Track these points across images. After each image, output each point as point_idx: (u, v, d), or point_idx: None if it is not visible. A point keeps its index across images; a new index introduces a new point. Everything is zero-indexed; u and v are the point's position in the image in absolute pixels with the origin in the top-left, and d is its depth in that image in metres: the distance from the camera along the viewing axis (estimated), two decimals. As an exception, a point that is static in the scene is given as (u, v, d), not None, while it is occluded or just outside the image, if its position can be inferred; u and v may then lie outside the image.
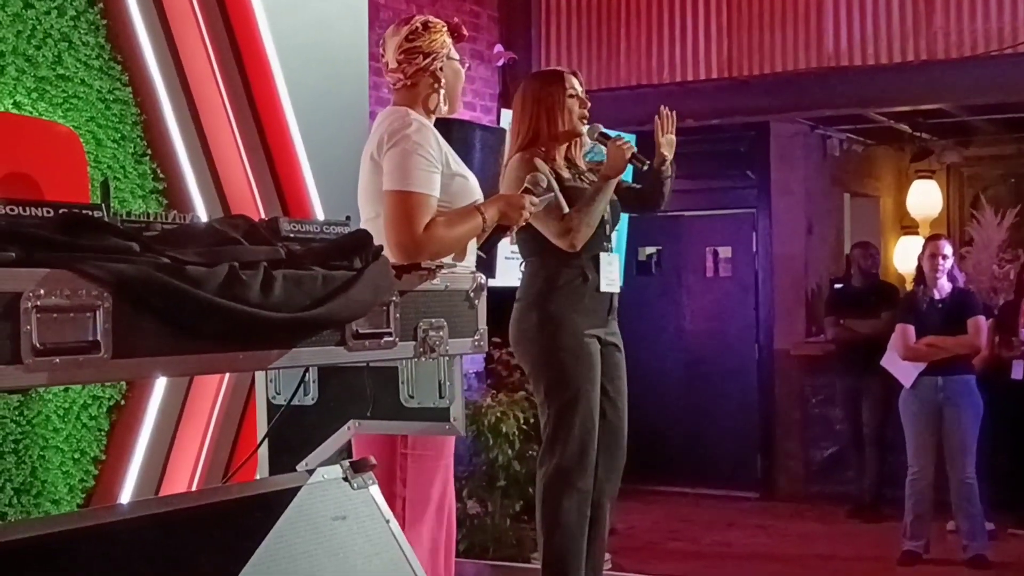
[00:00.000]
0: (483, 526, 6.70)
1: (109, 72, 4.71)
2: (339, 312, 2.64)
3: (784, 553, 8.07)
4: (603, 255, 4.55)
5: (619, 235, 8.27)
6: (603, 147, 4.66)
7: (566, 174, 4.54)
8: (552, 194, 4.18)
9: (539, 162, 4.39)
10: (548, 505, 4.42)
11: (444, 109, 3.93)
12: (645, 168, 4.70)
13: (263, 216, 5.05)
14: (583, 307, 4.48)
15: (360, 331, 2.77)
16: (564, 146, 4.62)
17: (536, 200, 3.94)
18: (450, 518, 3.96)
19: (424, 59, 3.86)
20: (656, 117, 4.79)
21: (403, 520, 3.71)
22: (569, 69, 4.79)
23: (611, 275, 4.56)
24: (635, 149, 4.57)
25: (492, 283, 6.16)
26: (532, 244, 4.50)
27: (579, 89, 4.63)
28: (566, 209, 4.40)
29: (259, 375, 3.35)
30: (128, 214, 2.56)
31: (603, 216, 4.55)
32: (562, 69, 4.79)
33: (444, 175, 3.74)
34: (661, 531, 8.78)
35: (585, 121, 4.62)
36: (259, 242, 2.63)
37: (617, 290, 4.63)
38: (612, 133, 4.69)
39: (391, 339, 2.88)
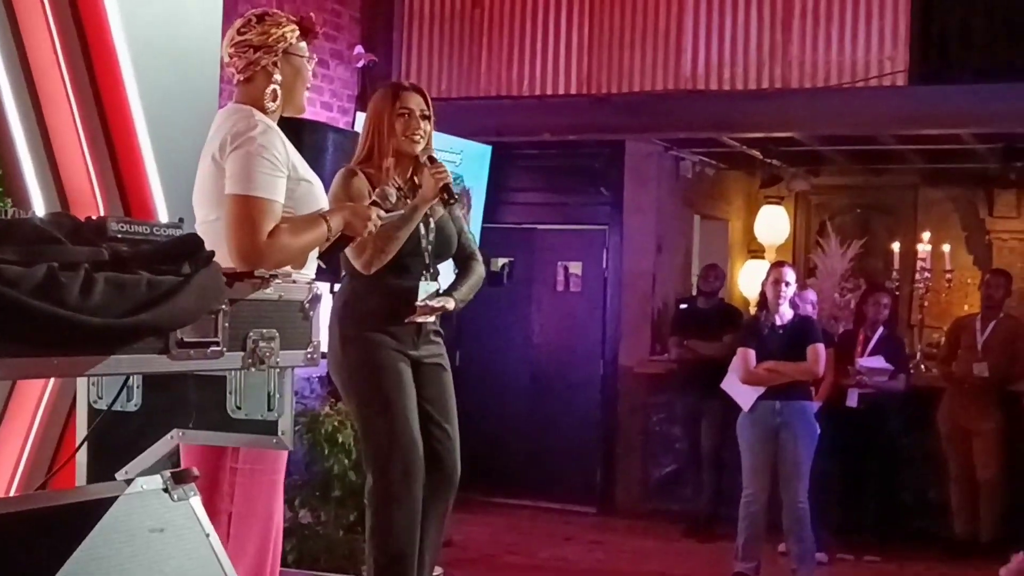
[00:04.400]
0: (314, 536, 6.59)
1: (-56, 55, 4.54)
2: (163, 319, 2.56)
3: (619, 569, 8.12)
4: (422, 284, 4.47)
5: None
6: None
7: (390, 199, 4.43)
8: (401, 212, 4.14)
9: (357, 180, 4.33)
10: (377, 522, 4.35)
11: (273, 107, 3.75)
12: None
13: (102, 211, 4.92)
14: (383, 328, 4.40)
15: (185, 339, 2.69)
16: (402, 166, 4.51)
17: (383, 214, 3.89)
18: (277, 533, 3.86)
19: (254, 53, 3.71)
20: None
21: (227, 535, 3.61)
22: (410, 84, 4.66)
23: (418, 299, 4.48)
24: (451, 181, 4.45)
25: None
26: (343, 260, 4.43)
27: (416, 107, 4.49)
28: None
29: (81, 378, 3.23)
30: (-57, 209, 2.46)
31: (423, 244, 4.48)
32: (401, 83, 4.67)
33: (290, 180, 3.64)
34: (498, 544, 8.76)
35: (417, 141, 4.49)
36: (83, 242, 2.53)
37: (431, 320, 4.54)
38: (442, 160, 4.60)
39: (218, 348, 2.80)
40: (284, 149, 3.66)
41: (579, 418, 10.23)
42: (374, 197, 3.96)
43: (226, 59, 3.76)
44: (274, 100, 3.75)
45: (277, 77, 3.74)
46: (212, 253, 2.76)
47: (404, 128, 4.45)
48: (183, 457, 3.52)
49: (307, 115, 7.82)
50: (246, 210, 3.52)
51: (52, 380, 4.63)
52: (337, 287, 5.84)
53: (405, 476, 4.33)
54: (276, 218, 3.55)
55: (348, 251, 4.27)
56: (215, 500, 3.59)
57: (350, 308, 4.40)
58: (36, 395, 4.69)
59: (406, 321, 4.43)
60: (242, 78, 3.74)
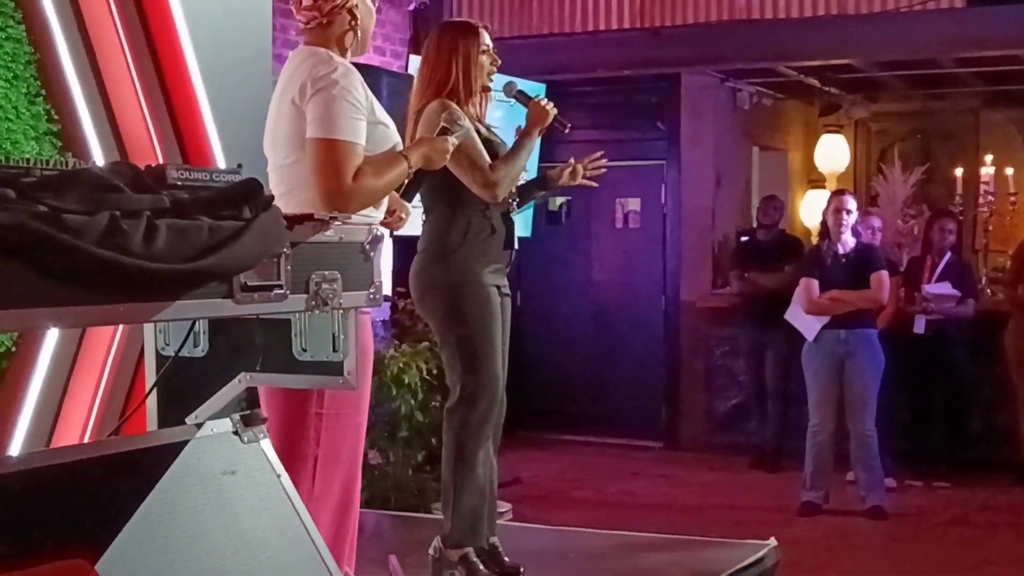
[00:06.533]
0: (384, 476, 6.67)
1: (1, 10, 4.57)
2: (225, 264, 2.57)
3: (686, 503, 8.13)
4: (513, 213, 4.54)
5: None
6: (518, 103, 4.63)
7: (481, 128, 4.48)
8: (467, 128, 4.13)
9: (458, 109, 4.33)
10: (464, 458, 4.38)
11: (352, 48, 3.82)
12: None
13: (161, 160, 4.96)
14: (489, 259, 4.44)
15: (249, 283, 2.70)
16: (474, 101, 4.55)
17: (455, 140, 3.92)
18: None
19: None
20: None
21: (314, 479, 3.66)
22: (481, 23, 4.69)
23: (515, 232, 4.56)
24: (556, 111, 4.53)
25: (401, 232, 6.10)
26: (441, 194, 4.42)
27: (490, 45, 4.56)
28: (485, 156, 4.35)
29: (148, 325, 3.26)
30: (6, 159, 2.47)
31: None
32: (476, 22, 4.69)
33: (368, 122, 3.66)
34: (566, 480, 8.82)
35: (493, 78, 4.57)
36: (143, 190, 2.55)
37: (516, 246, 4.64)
38: (531, 93, 4.66)
39: (281, 292, 2.81)
40: (364, 91, 3.69)
41: (642, 354, 10.24)
42: (442, 123, 3.98)
43: (307, 2, 3.73)
44: (354, 42, 3.80)
45: (359, 18, 3.78)
46: (272, 197, 2.78)
47: (490, 65, 4.51)
48: (266, 405, 3.56)
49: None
50: (331, 153, 3.55)
51: (120, 329, 4.69)
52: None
53: (489, 412, 4.38)
54: (359, 160, 3.58)
55: (470, 182, 4.30)
56: (301, 445, 3.63)
57: (464, 241, 4.41)
58: (106, 344, 4.76)
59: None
60: (325, 21, 3.74)
